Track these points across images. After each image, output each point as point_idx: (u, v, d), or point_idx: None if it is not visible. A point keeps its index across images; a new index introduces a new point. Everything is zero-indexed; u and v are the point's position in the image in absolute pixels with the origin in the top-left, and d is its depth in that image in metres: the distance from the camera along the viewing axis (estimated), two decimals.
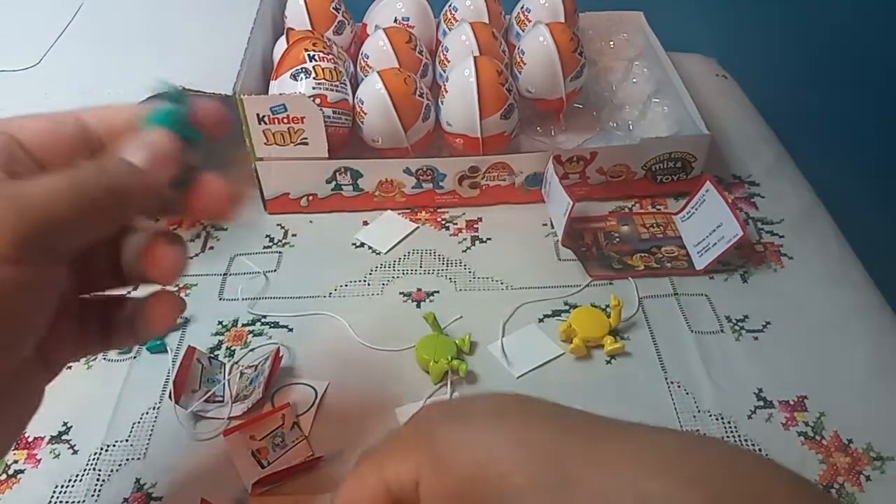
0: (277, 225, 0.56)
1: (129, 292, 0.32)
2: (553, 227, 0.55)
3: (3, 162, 0.27)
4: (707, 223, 0.52)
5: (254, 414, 0.42)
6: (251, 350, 0.46)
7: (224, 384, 0.44)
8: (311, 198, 0.57)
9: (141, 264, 0.29)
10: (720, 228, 0.50)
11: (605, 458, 0.24)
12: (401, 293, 0.50)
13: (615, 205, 0.57)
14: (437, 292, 0.50)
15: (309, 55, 0.53)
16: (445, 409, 0.28)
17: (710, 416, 0.42)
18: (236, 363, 0.45)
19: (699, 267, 0.51)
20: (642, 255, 0.53)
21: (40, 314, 0.27)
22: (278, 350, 0.44)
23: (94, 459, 0.40)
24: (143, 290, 0.31)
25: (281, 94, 0.53)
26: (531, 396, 0.28)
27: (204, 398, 0.42)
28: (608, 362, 0.45)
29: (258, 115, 0.51)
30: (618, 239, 0.54)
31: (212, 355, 0.45)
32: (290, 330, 0.48)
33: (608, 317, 0.47)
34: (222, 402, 0.43)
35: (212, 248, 0.55)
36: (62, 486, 0.39)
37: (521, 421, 0.26)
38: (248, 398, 0.42)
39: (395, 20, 0.62)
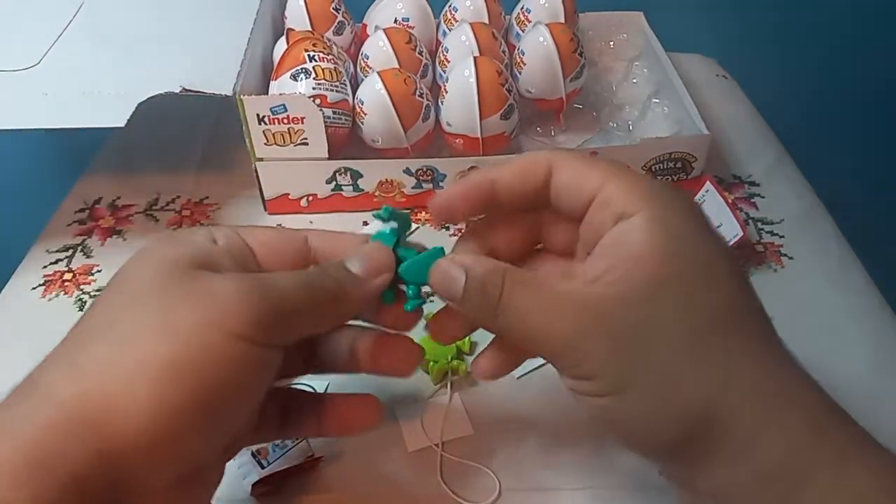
0: (277, 225, 0.56)
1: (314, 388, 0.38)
2: None
3: (241, 263, 0.30)
4: None
5: None
6: None
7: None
8: (311, 198, 0.57)
9: (367, 357, 0.34)
10: (720, 229, 0.50)
11: None
12: None
13: None
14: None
15: (309, 55, 0.53)
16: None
17: None
18: None
19: None
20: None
21: (259, 393, 0.30)
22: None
23: None
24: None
25: (281, 94, 0.53)
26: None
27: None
28: None
29: (258, 115, 0.51)
30: None
31: None
32: None
33: None
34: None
35: None
36: None
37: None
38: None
39: (395, 21, 0.62)
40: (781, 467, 0.25)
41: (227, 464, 0.38)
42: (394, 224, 0.33)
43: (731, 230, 0.49)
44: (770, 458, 0.25)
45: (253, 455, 0.39)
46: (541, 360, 0.45)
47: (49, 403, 0.25)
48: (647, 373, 0.27)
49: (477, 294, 0.29)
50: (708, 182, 0.53)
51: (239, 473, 0.38)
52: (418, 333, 0.45)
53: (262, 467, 0.39)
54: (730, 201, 0.52)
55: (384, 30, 0.58)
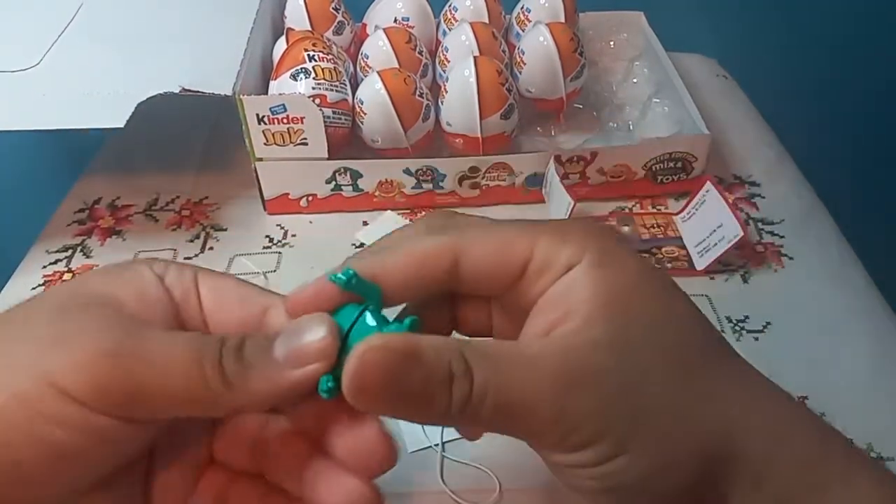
0: (277, 225, 0.56)
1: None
2: None
3: (172, 313, 0.25)
4: (707, 224, 0.52)
5: None
6: None
7: None
8: (310, 198, 0.57)
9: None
10: (720, 229, 0.50)
11: None
12: None
13: (615, 205, 0.57)
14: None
15: (309, 55, 0.53)
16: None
17: None
18: None
19: (699, 267, 0.51)
20: (643, 255, 0.53)
21: (108, 465, 0.24)
22: None
23: None
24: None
25: (281, 94, 0.53)
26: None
27: None
28: None
29: (258, 115, 0.51)
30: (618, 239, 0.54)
31: None
32: None
33: None
34: None
35: (211, 248, 0.55)
36: None
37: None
38: None
39: (395, 20, 0.62)
40: (799, 487, 0.24)
41: None
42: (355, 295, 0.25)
43: (731, 230, 0.49)
44: (787, 481, 0.24)
45: None
46: None
47: None
48: (649, 422, 0.23)
49: (443, 388, 0.22)
50: (708, 182, 0.53)
51: None
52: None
53: None
54: (730, 201, 0.52)
55: (384, 29, 0.58)
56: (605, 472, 0.24)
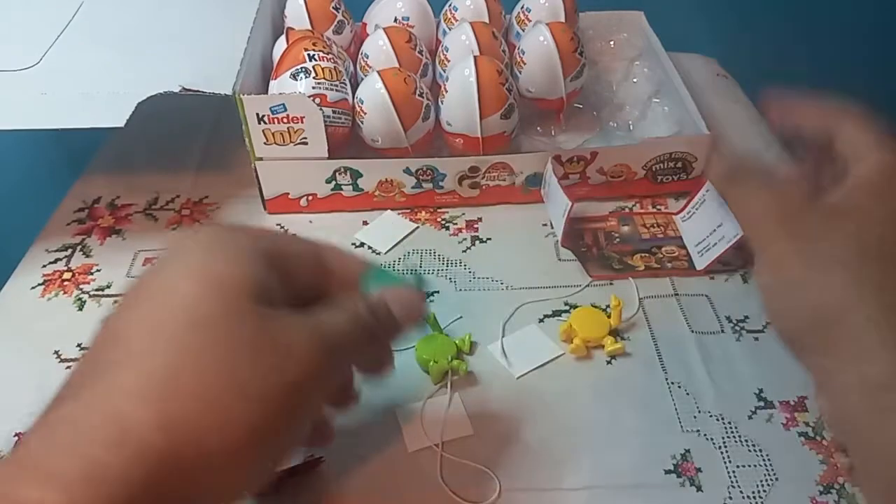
0: (277, 225, 0.56)
1: None
2: (553, 228, 0.55)
3: (286, 285, 0.31)
4: (707, 223, 0.52)
5: None
6: None
7: None
8: (310, 198, 0.57)
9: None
10: (720, 228, 0.50)
11: None
12: None
13: (615, 205, 0.57)
14: (437, 292, 0.50)
15: (309, 55, 0.53)
16: None
17: (711, 416, 0.42)
18: None
19: (699, 267, 0.51)
20: (643, 255, 0.53)
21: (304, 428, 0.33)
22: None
23: None
24: None
25: (281, 93, 0.53)
26: None
27: None
28: (608, 363, 0.45)
29: (258, 114, 0.51)
30: (618, 239, 0.54)
31: None
32: None
33: (608, 317, 0.47)
34: None
35: None
36: None
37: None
38: None
39: (395, 20, 0.62)
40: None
41: None
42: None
43: (731, 230, 0.49)
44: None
45: None
46: (540, 361, 0.45)
47: (134, 448, 0.24)
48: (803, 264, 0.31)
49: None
50: (708, 182, 0.53)
51: None
52: (420, 333, 0.45)
53: None
54: None
55: (384, 29, 0.58)
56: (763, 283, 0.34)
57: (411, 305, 0.35)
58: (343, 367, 0.34)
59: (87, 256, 0.54)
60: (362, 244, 0.54)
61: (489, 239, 0.55)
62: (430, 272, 0.52)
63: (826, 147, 0.35)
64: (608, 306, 0.48)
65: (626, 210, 0.57)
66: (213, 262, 0.29)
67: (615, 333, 0.46)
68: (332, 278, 0.33)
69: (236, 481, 0.28)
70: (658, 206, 0.57)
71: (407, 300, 0.34)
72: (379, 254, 0.53)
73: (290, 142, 0.53)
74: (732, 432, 0.41)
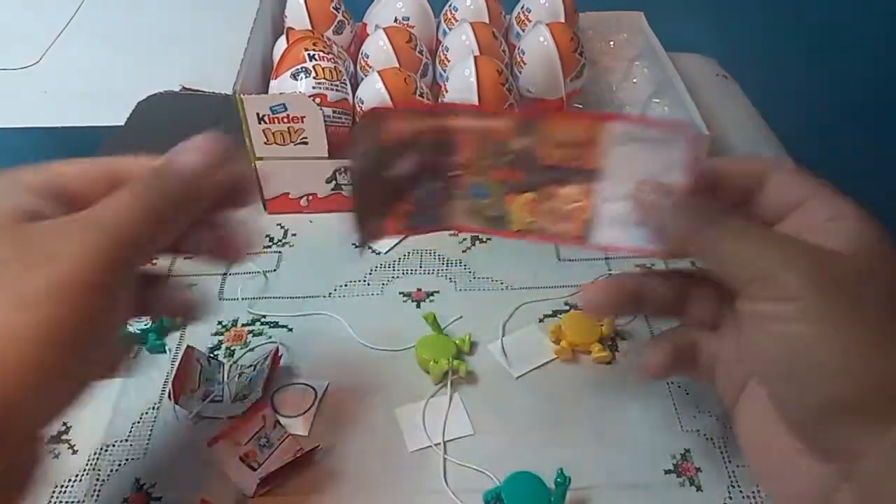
0: (277, 225, 0.56)
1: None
2: None
3: (61, 202, 0.29)
4: (638, 172, 0.32)
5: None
6: (251, 349, 0.46)
7: (223, 384, 0.44)
8: (310, 197, 0.57)
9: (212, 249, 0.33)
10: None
11: None
12: (401, 293, 0.50)
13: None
14: (437, 292, 0.50)
15: (309, 55, 0.53)
16: None
17: (711, 416, 0.42)
18: (235, 363, 0.45)
19: (594, 242, 0.34)
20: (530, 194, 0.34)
21: (115, 333, 0.30)
22: (277, 350, 0.44)
23: (93, 459, 0.40)
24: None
25: (281, 93, 0.53)
26: None
27: (203, 398, 0.42)
28: (608, 363, 0.45)
29: (258, 114, 0.51)
30: (509, 158, 0.34)
31: (211, 355, 0.45)
32: (290, 330, 0.48)
33: (601, 325, 0.46)
34: (221, 401, 0.43)
35: None
36: (61, 486, 0.39)
37: None
38: (247, 398, 0.42)
39: (395, 20, 0.62)
40: None
41: (224, 471, 0.38)
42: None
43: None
44: None
45: (242, 460, 0.39)
46: (540, 361, 0.45)
47: None
48: (856, 316, 0.26)
49: (692, 211, 0.30)
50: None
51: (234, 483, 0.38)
52: (418, 334, 0.45)
53: (254, 470, 0.39)
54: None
55: (384, 29, 0.58)
56: (797, 331, 0.27)
57: (207, 150, 0.31)
58: (145, 256, 0.30)
59: None
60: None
61: (489, 239, 0.55)
62: (430, 272, 0.52)
63: (748, 193, 0.32)
64: None
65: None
66: None
67: (607, 339, 0.46)
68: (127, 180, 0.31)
69: (42, 393, 0.26)
70: None
71: (201, 146, 0.31)
72: (379, 254, 0.53)
73: (291, 142, 0.53)
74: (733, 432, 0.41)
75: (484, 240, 0.55)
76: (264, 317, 0.49)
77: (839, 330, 0.26)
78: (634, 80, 0.66)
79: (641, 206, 0.31)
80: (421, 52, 0.59)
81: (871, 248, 0.28)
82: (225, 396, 0.43)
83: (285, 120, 0.52)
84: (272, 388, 0.43)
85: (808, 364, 0.27)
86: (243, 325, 0.48)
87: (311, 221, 0.57)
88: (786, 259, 0.28)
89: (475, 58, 0.53)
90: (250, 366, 0.44)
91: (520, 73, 0.58)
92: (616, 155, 0.32)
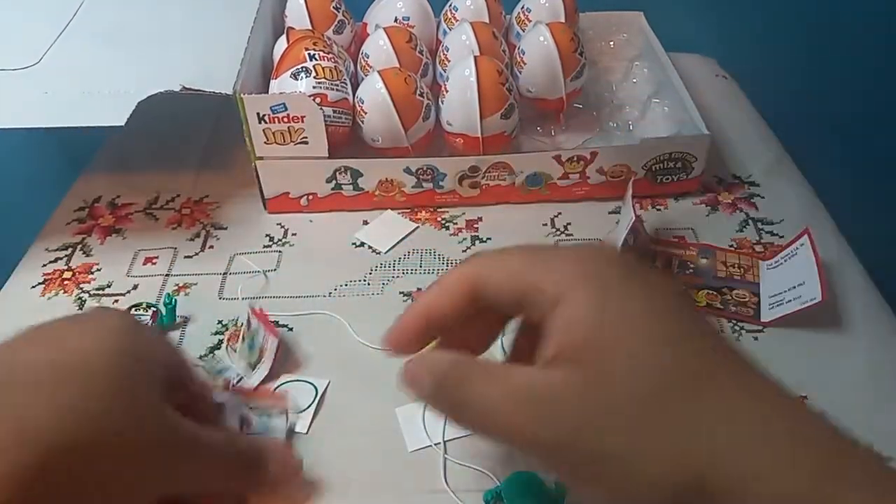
0: (277, 224, 0.56)
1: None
2: (554, 227, 0.55)
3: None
4: (790, 278, 0.48)
5: None
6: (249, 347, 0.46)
7: (233, 367, 0.44)
8: (311, 197, 0.57)
9: None
10: (800, 287, 0.46)
11: None
12: (401, 293, 0.50)
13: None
14: None
15: (309, 54, 0.53)
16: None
17: None
18: (228, 347, 0.46)
19: (765, 319, 0.47)
20: (710, 292, 0.49)
21: None
22: (253, 309, 0.45)
23: None
24: None
25: (281, 93, 0.53)
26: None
27: (225, 388, 0.42)
28: None
29: (258, 114, 0.51)
30: (692, 270, 0.51)
31: (210, 355, 0.45)
32: (290, 329, 0.48)
33: None
34: (242, 377, 0.43)
35: (212, 247, 0.55)
36: None
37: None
38: (261, 359, 0.43)
39: (396, 20, 0.62)
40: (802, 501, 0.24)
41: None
42: None
43: (810, 292, 0.46)
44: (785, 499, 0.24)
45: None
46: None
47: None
48: (609, 459, 0.25)
49: (440, 391, 0.29)
50: (806, 236, 0.49)
51: None
52: None
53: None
54: (821, 261, 0.47)
55: (384, 29, 0.58)
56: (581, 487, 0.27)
57: (285, 462, 0.36)
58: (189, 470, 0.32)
59: (88, 256, 0.54)
60: (362, 244, 0.54)
61: (489, 239, 0.55)
62: (431, 272, 0.52)
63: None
64: None
65: (711, 244, 0.53)
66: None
67: None
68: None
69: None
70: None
71: (282, 456, 0.36)
72: (379, 253, 0.53)
73: (291, 141, 0.53)
74: None
75: (484, 239, 0.55)
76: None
77: (607, 480, 0.26)
78: (634, 80, 0.66)
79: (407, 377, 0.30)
80: (421, 52, 0.59)
81: (596, 333, 0.26)
82: (244, 371, 0.44)
83: (285, 120, 0.52)
84: (276, 367, 0.44)
85: None
86: (243, 325, 0.48)
87: (311, 221, 0.57)
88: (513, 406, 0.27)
89: (475, 58, 0.53)
90: (234, 334, 0.46)
91: (520, 73, 0.58)
92: (768, 275, 0.50)
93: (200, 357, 0.45)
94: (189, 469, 0.31)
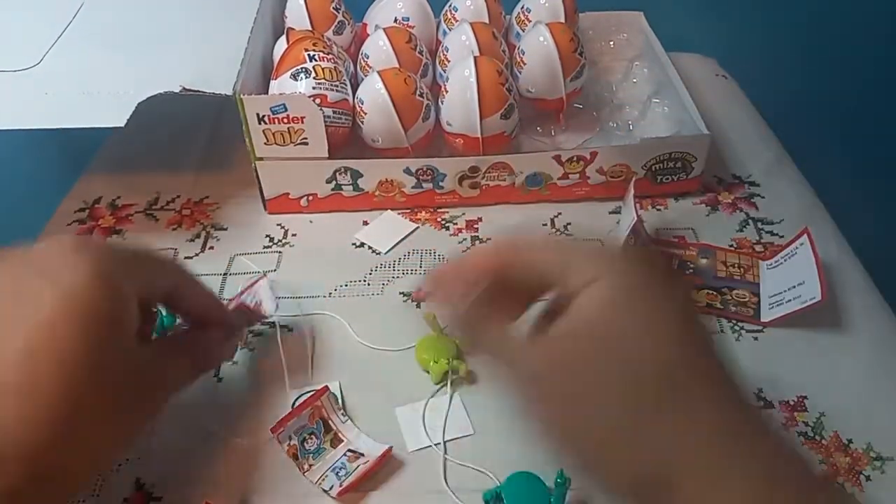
0: (277, 225, 0.56)
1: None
2: (554, 227, 0.55)
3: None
4: (790, 278, 0.48)
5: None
6: (252, 350, 0.46)
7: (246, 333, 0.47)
8: (311, 198, 0.57)
9: None
10: (800, 287, 0.47)
11: None
12: (401, 293, 0.50)
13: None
14: None
15: (309, 55, 0.53)
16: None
17: None
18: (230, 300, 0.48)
19: (764, 319, 0.48)
20: (710, 292, 0.50)
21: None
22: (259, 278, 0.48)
23: None
24: None
25: (281, 93, 0.53)
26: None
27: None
28: None
29: (258, 114, 0.51)
30: (692, 270, 0.51)
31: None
32: (290, 330, 0.48)
33: None
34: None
35: (212, 248, 0.55)
36: None
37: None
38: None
39: (395, 20, 0.62)
40: None
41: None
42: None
43: (810, 292, 0.46)
44: None
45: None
46: None
47: None
48: (578, 447, 0.29)
49: (465, 322, 0.33)
50: (805, 236, 0.49)
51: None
52: (418, 333, 0.45)
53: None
54: (821, 262, 0.47)
55: (384, 29, 0.58)
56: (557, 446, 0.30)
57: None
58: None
59: None
60: (362, 244, 0.54)
61: (489, 239, 0.55)
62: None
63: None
64: None
65: (710, 244, 0.53)
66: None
67: None
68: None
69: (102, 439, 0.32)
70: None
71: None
72: (379, 254, 0.53)
73: (291, 142, 0.53)
74: None
75: (484, 240, 0.55)
76: (264, 317, 0.49)
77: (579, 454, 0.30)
78: (634, 80, 0.66)
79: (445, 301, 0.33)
80: (421, 52, 0.59)
81: (592, 328, 0.29)
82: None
83: (285, 120, 0.52)
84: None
85: None
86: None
87: (311, 221, 0.57)
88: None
89: (475, 58, 0.53)
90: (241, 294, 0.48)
91: (520, 73, 0.58)
92: (768, 275, 0.51)
93: None
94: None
